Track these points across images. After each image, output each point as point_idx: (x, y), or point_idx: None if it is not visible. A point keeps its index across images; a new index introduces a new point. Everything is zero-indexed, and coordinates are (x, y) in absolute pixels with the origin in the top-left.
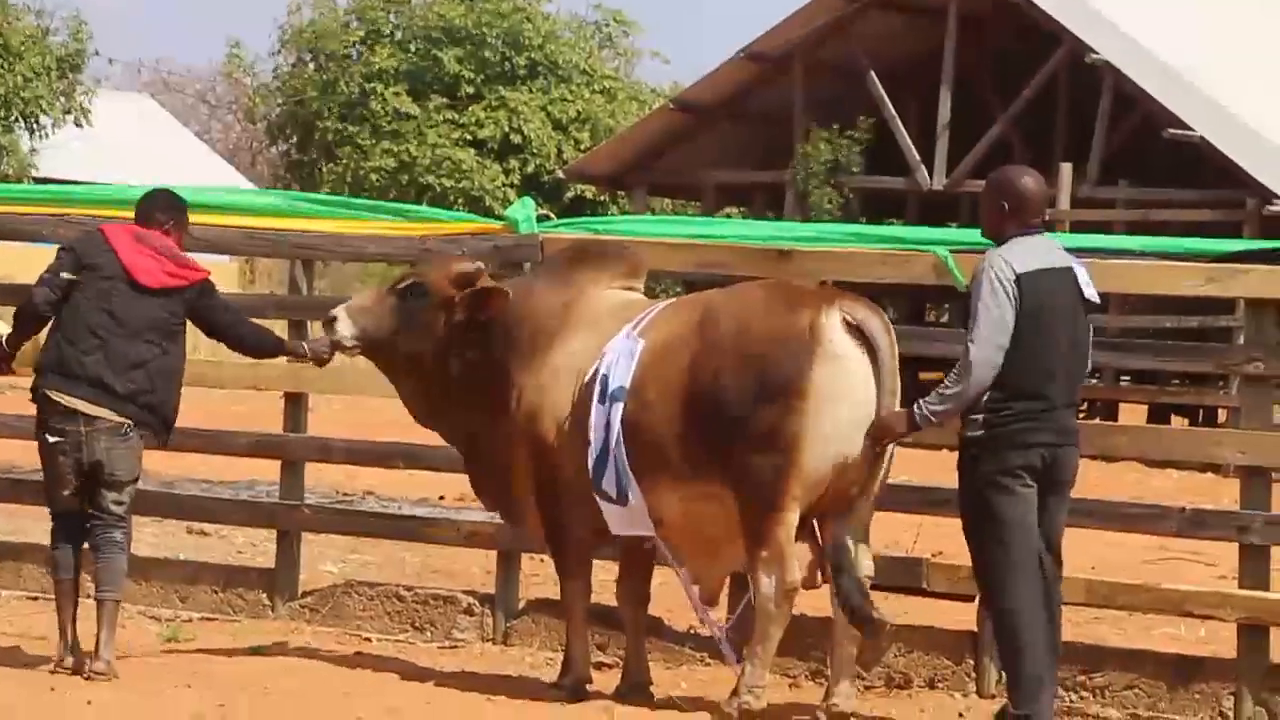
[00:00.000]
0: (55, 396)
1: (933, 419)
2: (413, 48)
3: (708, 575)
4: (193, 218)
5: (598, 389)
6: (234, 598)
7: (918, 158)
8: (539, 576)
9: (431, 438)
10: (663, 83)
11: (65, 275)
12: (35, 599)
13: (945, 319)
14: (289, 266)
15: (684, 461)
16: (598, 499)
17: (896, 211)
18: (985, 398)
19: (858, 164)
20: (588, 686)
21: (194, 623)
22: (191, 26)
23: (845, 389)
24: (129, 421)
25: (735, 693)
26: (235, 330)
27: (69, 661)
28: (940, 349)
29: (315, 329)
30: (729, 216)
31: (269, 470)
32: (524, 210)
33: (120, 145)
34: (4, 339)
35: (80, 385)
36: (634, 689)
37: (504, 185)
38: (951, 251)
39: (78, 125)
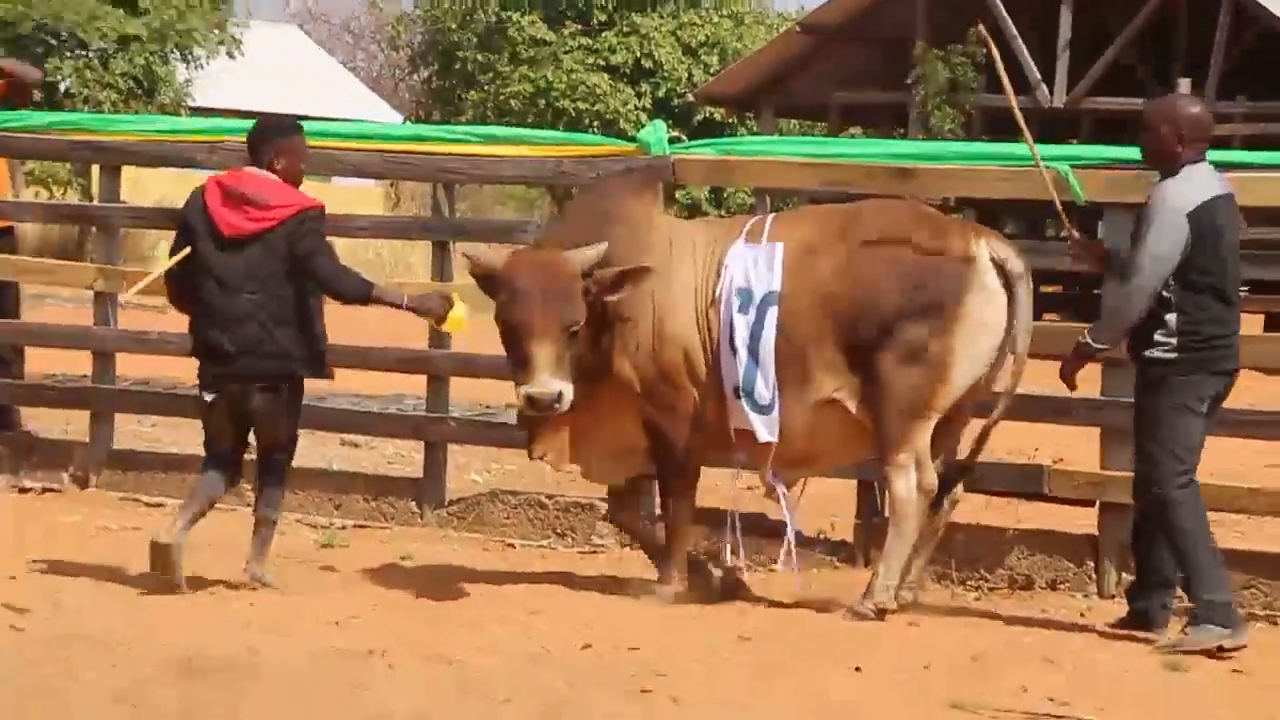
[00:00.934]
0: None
1: (1097, 346)
2: None
3: (792, 481)
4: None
5: (736, 300)
6: (385, 506)
7: (1038, 75)
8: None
9: None
10: (789, 7)
11: (180, 253)
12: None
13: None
14: (431, 190)
15: (820, 366)
16: (746, 410)
17: (1017, 129)
18: (1175, 321)
19: (975, 82)
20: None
21: (348, 530)
22: None
23: (992, 318)
24: (263, 380)
25: (869, 593)
26: (318, 272)
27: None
28: (1060, 263)
29: (456, 253)
30: (853, 136)
31: (417, 385)
32: (655, 133)
33: (270, 75)
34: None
35: (209, 353)
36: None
37: (636, 109)
38: (1072, 167)
39: (230, 56)
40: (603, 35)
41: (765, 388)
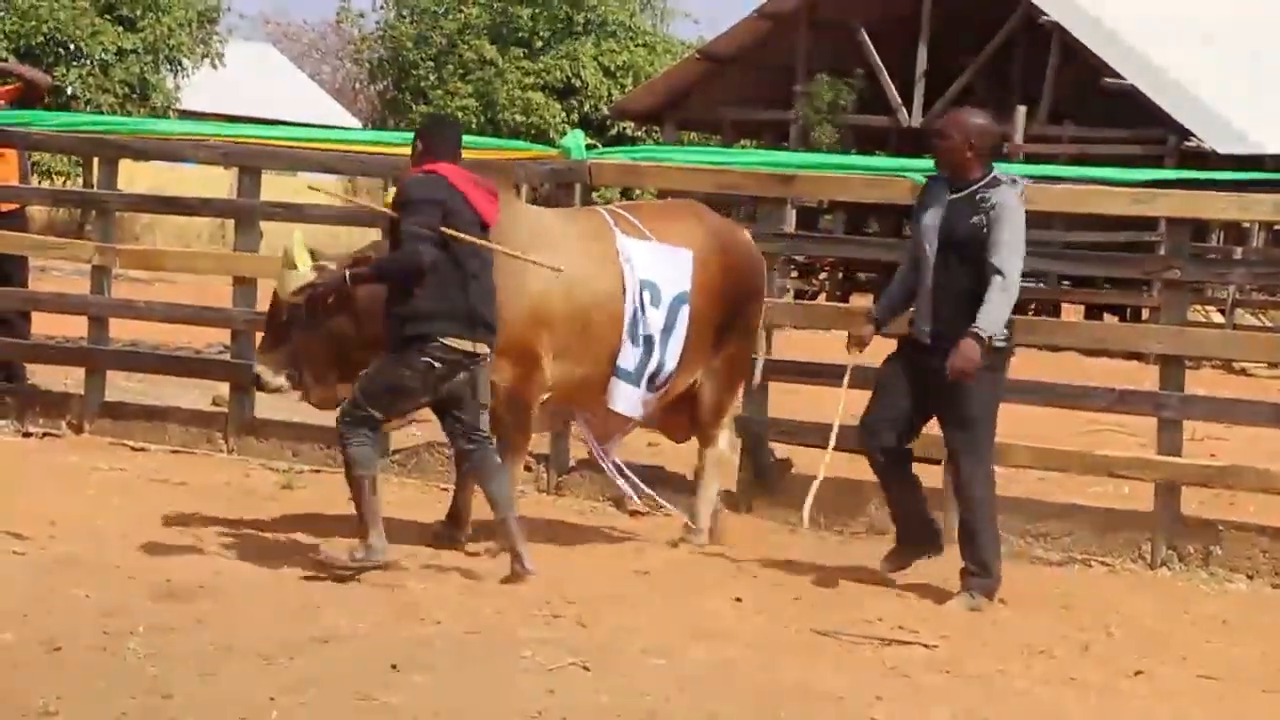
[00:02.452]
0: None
1: (998, 339)
2: (495, 5)
3: (618, 432)
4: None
5: (645, 294)
6: (336, 453)
7: (899, 100)
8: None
9: None
10: (691, 37)
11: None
12: (177, 453)
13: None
14: (384, 184)
15: (703, 351)
16: (630, 389)
17: (881, 145)
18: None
19: (850, 105)
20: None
21: (304, 474)
22: None
23: None
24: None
25: (698, 527)
26: None
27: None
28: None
29: None
30: (744, 148)
31: None
32: (574, 140)
33: (247, 84)
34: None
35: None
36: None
37: (564, 122)
38: (926, 177)
39: (213, 67)
40: (540, 58)
41: (665, 372)
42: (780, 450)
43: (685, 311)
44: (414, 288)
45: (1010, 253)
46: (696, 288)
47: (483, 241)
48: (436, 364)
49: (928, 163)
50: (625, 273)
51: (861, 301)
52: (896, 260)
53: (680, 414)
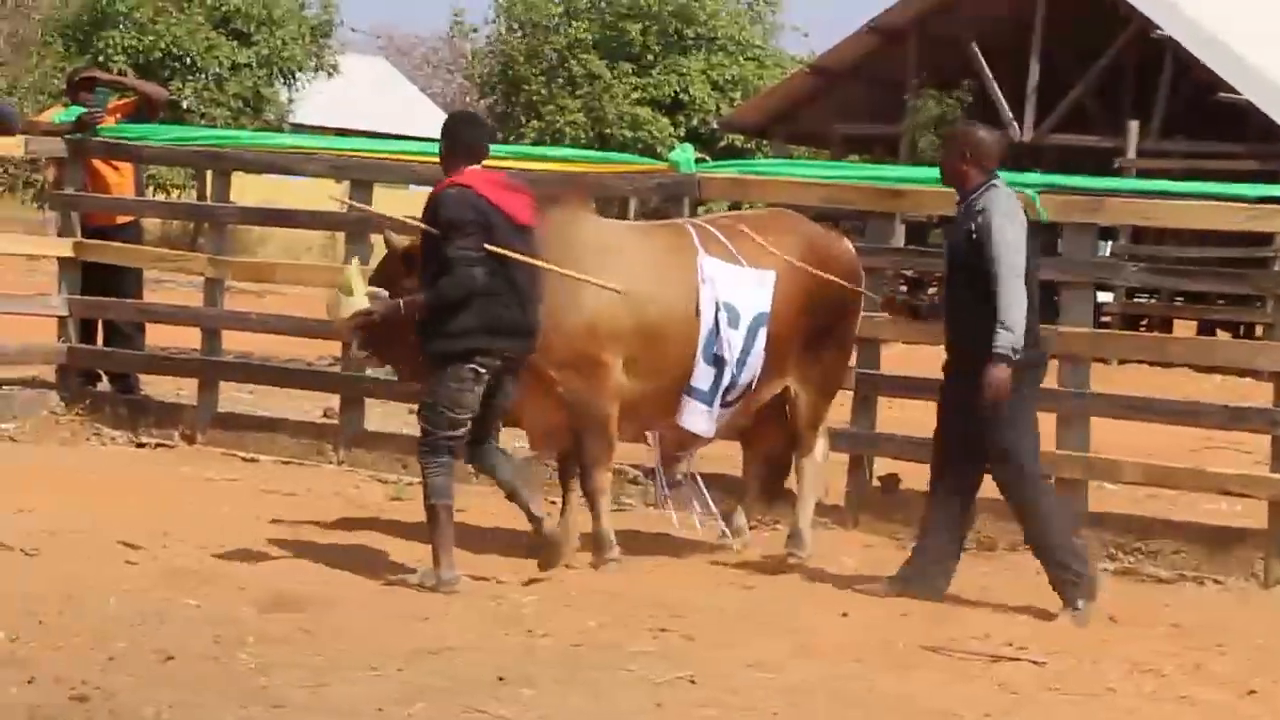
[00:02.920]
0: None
1: (1015, 353)
2: (604, 20)
3: (691, 449)
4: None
5: (723, 315)
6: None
7: (1010, 114)
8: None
9: None
10: (801, 51)
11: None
12: (288, 464)
13: None
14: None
15: (792, 361)
16: (702, 407)
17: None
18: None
19: (959, 119)
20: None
21: (414, 485)
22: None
23: None
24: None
25: (802, 537)
26: None
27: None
28: None
29: None
30: (853, 162)
31: None
32: (684, 154)
33: (360, 98)
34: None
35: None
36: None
37: (672, 136)
38: (1038, 192)
39: (328, 77)
40: (649, 73)
41: (736, 390)
42: (888, 466)
43: (764, 333)
44: (460, 305)
45: (1008, 250)
46: (786, 300)
47: (538, 261)
48: (482, 370)
49: (1038, 178)
50: (703, 292)
51: None
52: None
53: (768, 423)
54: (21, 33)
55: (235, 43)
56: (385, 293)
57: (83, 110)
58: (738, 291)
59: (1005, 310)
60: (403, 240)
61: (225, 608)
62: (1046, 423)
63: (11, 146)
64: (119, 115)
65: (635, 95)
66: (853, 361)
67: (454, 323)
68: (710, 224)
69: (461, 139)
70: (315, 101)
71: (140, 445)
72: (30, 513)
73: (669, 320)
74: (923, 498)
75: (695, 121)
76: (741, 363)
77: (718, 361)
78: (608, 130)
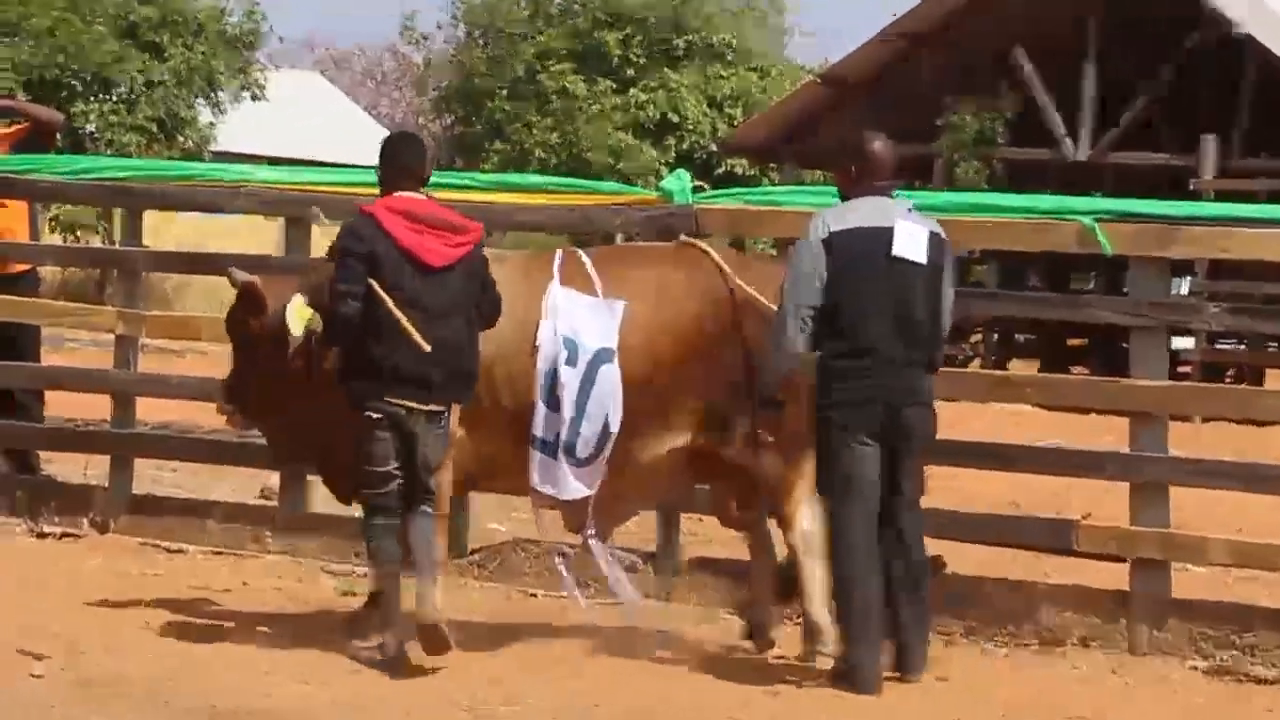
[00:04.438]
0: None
1: (768, 385)
2: (579, 27)
3: (615, 521)
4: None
5: (563, 352)
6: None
7: (1063, 129)
8: (697, 535)
9: None
10: (812, 60)
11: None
12: (219, 554)
13: (1090, 286)
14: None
15: (680, 415)
16: (546, 460)
17: (1040, 182)
18: (819, 355)
19: (1002, 136)
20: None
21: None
22: (360, 4)
23: None
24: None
25: (820, 636)
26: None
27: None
28: (1087, 315)
29: None
30: None
31: None
32: (679, 182)
33: (292, 120)
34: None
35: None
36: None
37: (659, 163)
38: (1097, 220)
39: (253, 99)
40: (631, 91)
41: (590, 441)
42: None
43: (609, 371)
44: (346, 347)
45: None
46: (673, 336)
47: (389, 303)
48: (379, 416)
49: (1097, 203)
50: (543, 327)
51: (1021, 368)
52: (1060, 319)
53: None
54: None
55: (147, 56)
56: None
57: None
58: (583, 325)
59: None
60: (242, 276)
61: None
62: (1118, 492)
63: None
64: (6, 145)
65: (616, 118)
66: None
67: (346, 365)
68: (599, 253)
69: (396, 161)
70: (242, 125)
71: (42, 535)
72: None
73: (502, 357)
74: (975, 583)
75: (687, 144)
76: (580, 406)
77: (553, 404)
78: (585, 154)
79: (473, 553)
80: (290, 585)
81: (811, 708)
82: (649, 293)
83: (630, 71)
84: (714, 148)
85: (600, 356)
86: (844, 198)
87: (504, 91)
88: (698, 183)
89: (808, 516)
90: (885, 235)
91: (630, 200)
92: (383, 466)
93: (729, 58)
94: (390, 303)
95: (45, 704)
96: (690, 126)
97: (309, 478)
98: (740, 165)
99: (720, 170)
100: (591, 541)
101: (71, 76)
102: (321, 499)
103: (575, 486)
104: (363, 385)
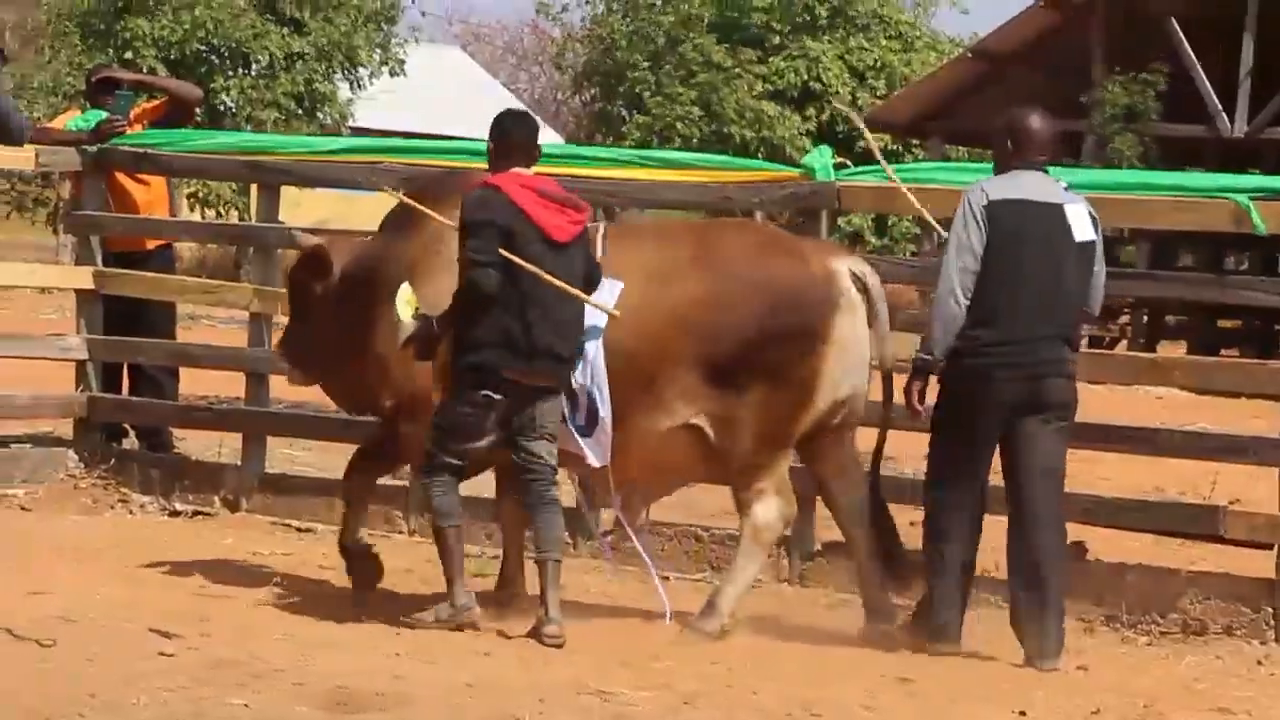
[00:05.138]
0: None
1: (928, 359)
2: None
3: (640, 501)
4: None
5: None
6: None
7: (1218, 104)
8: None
9: None
10: (960, 32)
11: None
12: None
13: (1245, 266)
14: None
15: (673, 393)
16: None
17: (1195, 159)
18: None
19: (1155, 110)
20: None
21: (498, 559)
22: None
23: (855, 337)
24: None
25: (714, 611)
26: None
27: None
28: (1239, 297)
29: None
30: None
31: None
32: (821, 159)
33: (432, 96)
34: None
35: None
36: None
37: (801, 134)
38: (1252, 199)
39: (392, 76)
40: (772, 60)
41: (584, 414)
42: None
43: (597, 346)
44: (476, 316)
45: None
46: (659, 315)
47: (537, 270)
48: (495, 395)
49: (1254, 180)
50: None
51: (1170, 350)
52: (1211, 300)
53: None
54: (31, 23)
55: (287, 30)
56: (432, 313)
57: (102, 116)
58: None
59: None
60: (310, 239)
61: (277, 707)
62: (1267, 478)
63: (20, 159)
64: (146, 121)
65: (759, 88)
66: None
67: (467, 335)
68: (618, 230)
69: (509, 138)
70: (380, 100)
71: (174, 513)
72: (45, 595)
73: None
74: (1117, 570)
75: (828, 115)
76: (588, 378)
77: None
78: (726, 128)
79: (605, 534)
80: (421, 567)
81: (942, 696)
82: (651, 272)
83: (775, 40)
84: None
85: (591, 333)
86: (999, 172)
87: (644, 64)
88: (839, 159)
89: (766, 509)
90: (1052, 212)
91: (771, 177)
92: (479, 440)
93: (872, 28)
94: (539, 271)
95: (176, 683)
96: (832, 95)
97: None
98: (884, 140)
99: (862, 145)
100: (626, 528)
101: (210, 51)
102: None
103: (589, 453)
104: (490, 357)
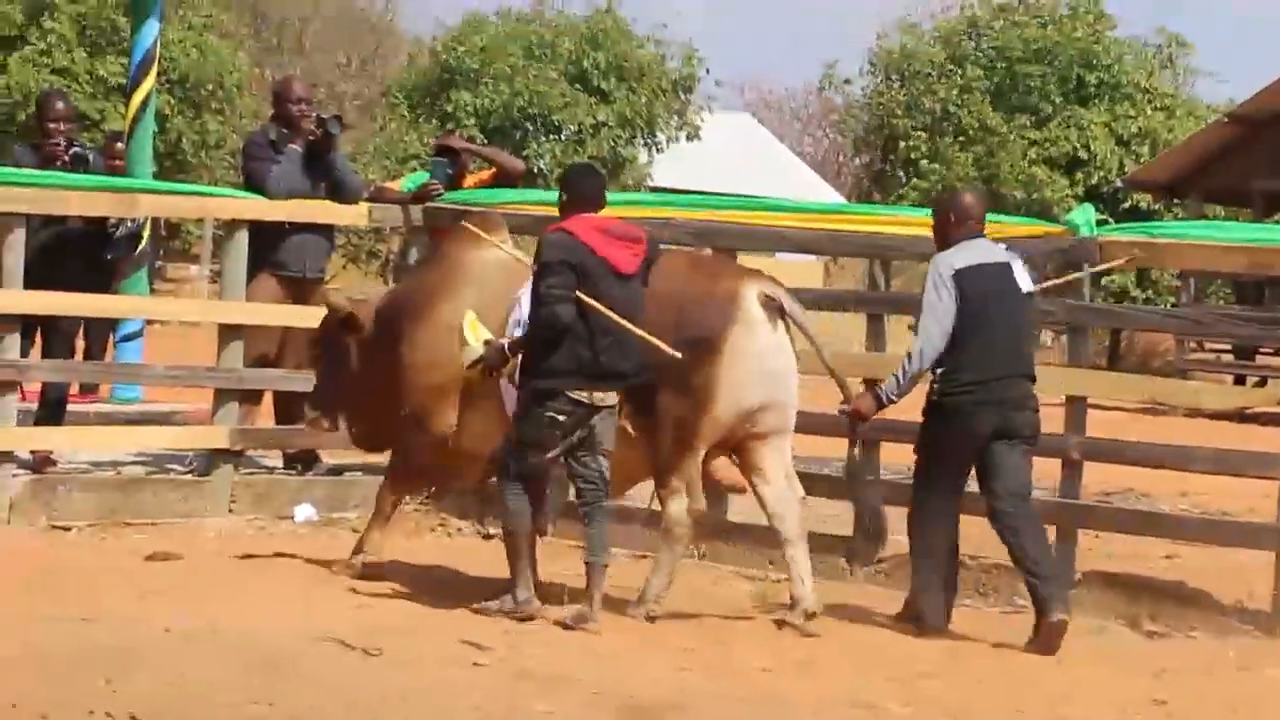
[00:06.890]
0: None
1: (894, 398)
2: (997, 66)
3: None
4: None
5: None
6: (815, 561)
7: None
8: (1092, 550)
9: None
10: (1217, 99)
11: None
12: (643, 557)
13: None
14: (868, 265)
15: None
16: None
17: None
18: (939, 372)
19: None
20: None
21: (780, 584)
22: (787, 50)
23: (756, 350)
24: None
25: (642, 600)
26: None
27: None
28: None
29: (892, 323)
30: (1278, 224)
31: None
32: (1084, 215)
33: (724, 158)
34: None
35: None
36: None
37: (1069, 196)
38: None
39: (688, 139)
40: (1046, 126)
41: None
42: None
43: None
44: (550, 344)
45: (921, 317)
46: None
47: (607, 312)
48: (561, 417)
49: None
50: (510, 317)
51: None
52: None
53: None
54: (367, 95)
55: (593, 99)
56: (501, 340)
57: (424, 179)
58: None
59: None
60: (344, 304)
61: (577, 715)
62: None
63: (355, 216)
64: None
65: (1032, 153)
66: None
67: (544, 362)
68: None
69: (576, 189)
70: (677, 163)
71: (488, 537)
72: (371, 609)
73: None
74: None
75: (1095, 179)
76: None
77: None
78: (999, 189)
79: (879, 561)
80: (706, 589)
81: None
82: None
83: (1047, 108)
84: (1119, 183)
85: None
86: (943, 243)
87: (919, 131)
88: (1100, 216)
89: (678, 506)
90: (1004, 270)
91: (1036, 232)
92: (550, 452)
93: (1137, 98)
94: (601, 307)
95: (488, 691)
96: (1099, 163)
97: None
98: (1145, 200)
99: (1125, 205)
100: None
101: (525, 118)
102: (737, 509)
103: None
104: (558, 380)
